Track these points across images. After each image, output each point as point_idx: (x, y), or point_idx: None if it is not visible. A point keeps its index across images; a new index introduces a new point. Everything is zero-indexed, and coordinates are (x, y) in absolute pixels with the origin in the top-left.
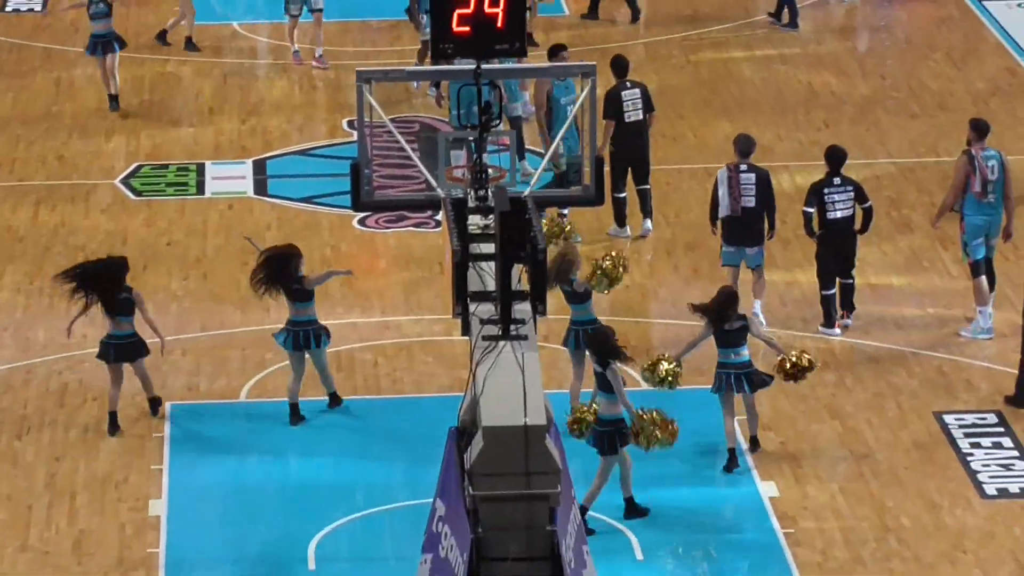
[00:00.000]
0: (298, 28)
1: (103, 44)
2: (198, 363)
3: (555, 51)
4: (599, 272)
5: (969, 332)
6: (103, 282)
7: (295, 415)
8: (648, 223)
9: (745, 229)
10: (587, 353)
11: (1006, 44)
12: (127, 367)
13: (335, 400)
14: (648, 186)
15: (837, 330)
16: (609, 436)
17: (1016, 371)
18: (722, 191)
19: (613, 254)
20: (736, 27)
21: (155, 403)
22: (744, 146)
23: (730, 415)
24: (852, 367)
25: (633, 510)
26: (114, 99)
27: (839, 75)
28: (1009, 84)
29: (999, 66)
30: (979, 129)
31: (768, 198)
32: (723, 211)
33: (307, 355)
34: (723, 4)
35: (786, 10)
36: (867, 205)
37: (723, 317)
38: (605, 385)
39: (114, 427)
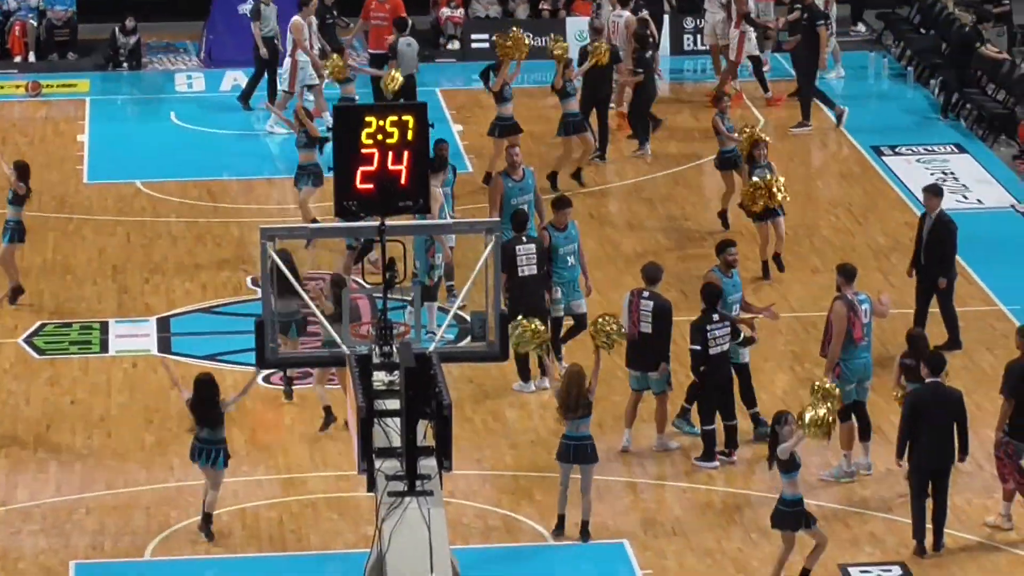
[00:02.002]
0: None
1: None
2: (102, 522)
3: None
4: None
5: (830, 475)
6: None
7: (208, 525)
8: (546, 381)
9: (643, 354)
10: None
11: (905, 198)
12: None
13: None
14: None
15: (716, 463)
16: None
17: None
18: (624, 316)
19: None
20: None
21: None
22: (650, 273)
23: None
24: (758, 521)
25: None
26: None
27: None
28: (909, 238)
29: (899, 220)
30: (847, 274)
31: (663, 327)
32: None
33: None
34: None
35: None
36: (740, 339)
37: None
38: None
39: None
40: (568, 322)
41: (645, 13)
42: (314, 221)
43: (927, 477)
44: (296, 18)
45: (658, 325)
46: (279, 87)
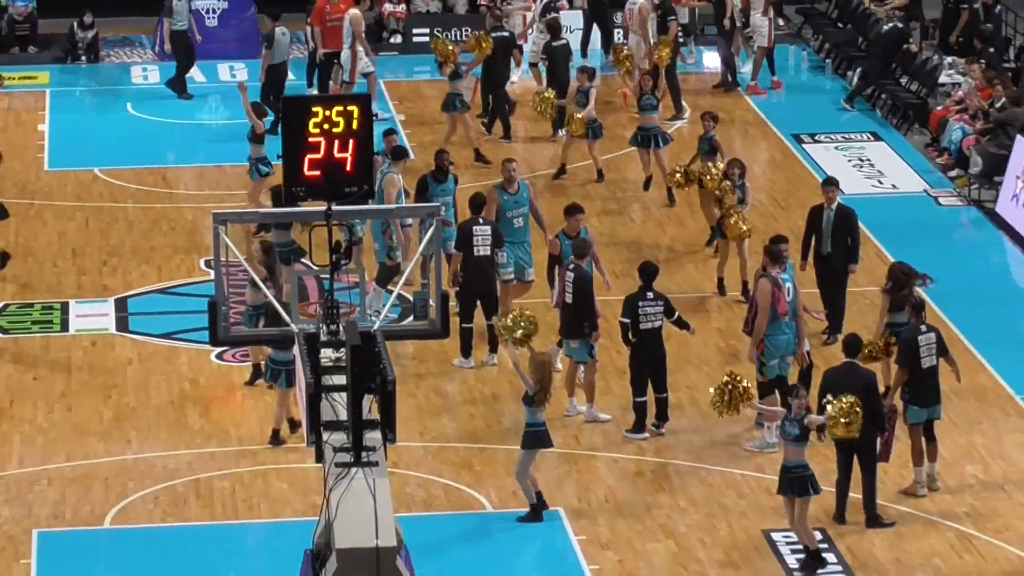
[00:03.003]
0: None
1: None
2: (63, 492)
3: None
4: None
5: (754, 446)
6: None
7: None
8: (494, 357)
9: (567, 323)
10: None
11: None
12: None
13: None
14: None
15: (646, 434)
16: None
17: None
18: (555, 287)
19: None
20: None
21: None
22: (578, 248)
23: None
24: (686, 489)
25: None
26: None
27: (672, 217)
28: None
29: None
30: (773, 255)
31: (583, 298)
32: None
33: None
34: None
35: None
36: (674, 318)
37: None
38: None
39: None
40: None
41: (564, 3)
42: None
43: (849, 454)
44: (354, 11)
45: (578, 297)
46: (342, 76)
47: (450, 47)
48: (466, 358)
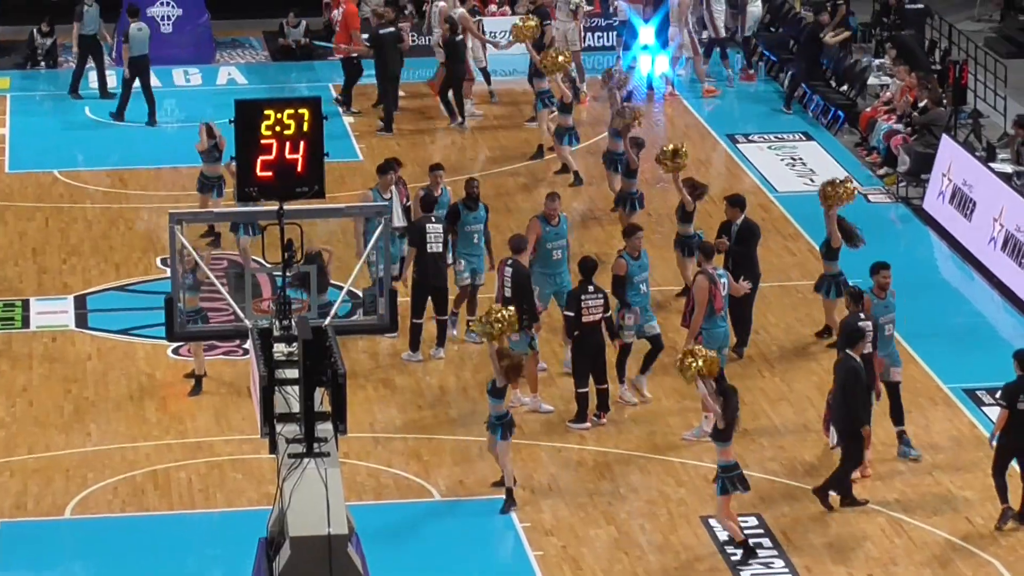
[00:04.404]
0: None
1: None
2: (25, 484)
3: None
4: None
5: (692, 435)
6: None
7: None
8: (441, 351)
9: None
10: None
11: (759, 183)
12: None
13: None
14: (446, 317)
15: (587, 424)
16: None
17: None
18: (496, 282)
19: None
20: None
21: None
22: (515, 243)
23: None
24: (626, 477)
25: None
26: None
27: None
28: (762, 219)
29: (754, 203)
30: (707, 252)
31: (520, 292)
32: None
33: None
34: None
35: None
36: (608, 314)
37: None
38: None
39: None
40: (643, 346)
41: None
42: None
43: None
44: (461, 9)
45: (516, 291)
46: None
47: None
48: (414, 351)
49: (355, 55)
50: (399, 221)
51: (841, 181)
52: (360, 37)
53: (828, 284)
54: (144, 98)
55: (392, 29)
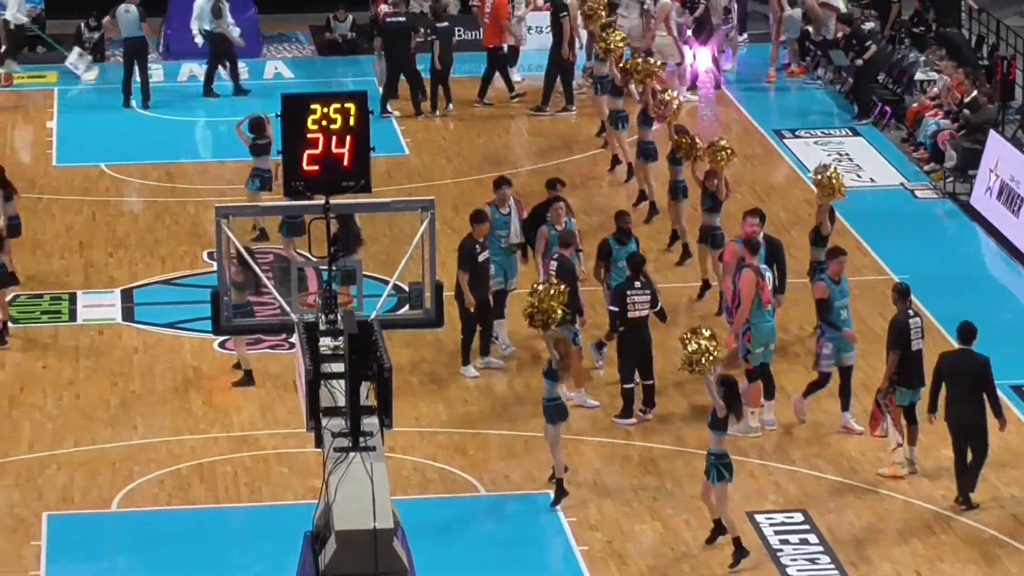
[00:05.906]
0: None
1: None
2: (72, 476)
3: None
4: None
5: (737, 430)
6: None
7: None
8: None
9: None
10: None
11: (804, 177)
12: None
13: None
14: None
15: (633, 419)
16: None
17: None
18: (541, 273)
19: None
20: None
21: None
22: (564, 238)
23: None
24: (672, 473)
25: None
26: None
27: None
28: (808, 214)
29: (798, 198)
30: (753, 247)
31: (567, 286)
32: None
33: None
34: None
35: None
36: (657, 308)
37: None
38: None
39: None
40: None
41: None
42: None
43: (962, 439)
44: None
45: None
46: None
47: (643, 64)
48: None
49: (506, 45)
50: (517, 238)
51: (835, 171)
52: (509, 27)
53: (817, 271)
54: (139, 82)
55: (402, 19)
